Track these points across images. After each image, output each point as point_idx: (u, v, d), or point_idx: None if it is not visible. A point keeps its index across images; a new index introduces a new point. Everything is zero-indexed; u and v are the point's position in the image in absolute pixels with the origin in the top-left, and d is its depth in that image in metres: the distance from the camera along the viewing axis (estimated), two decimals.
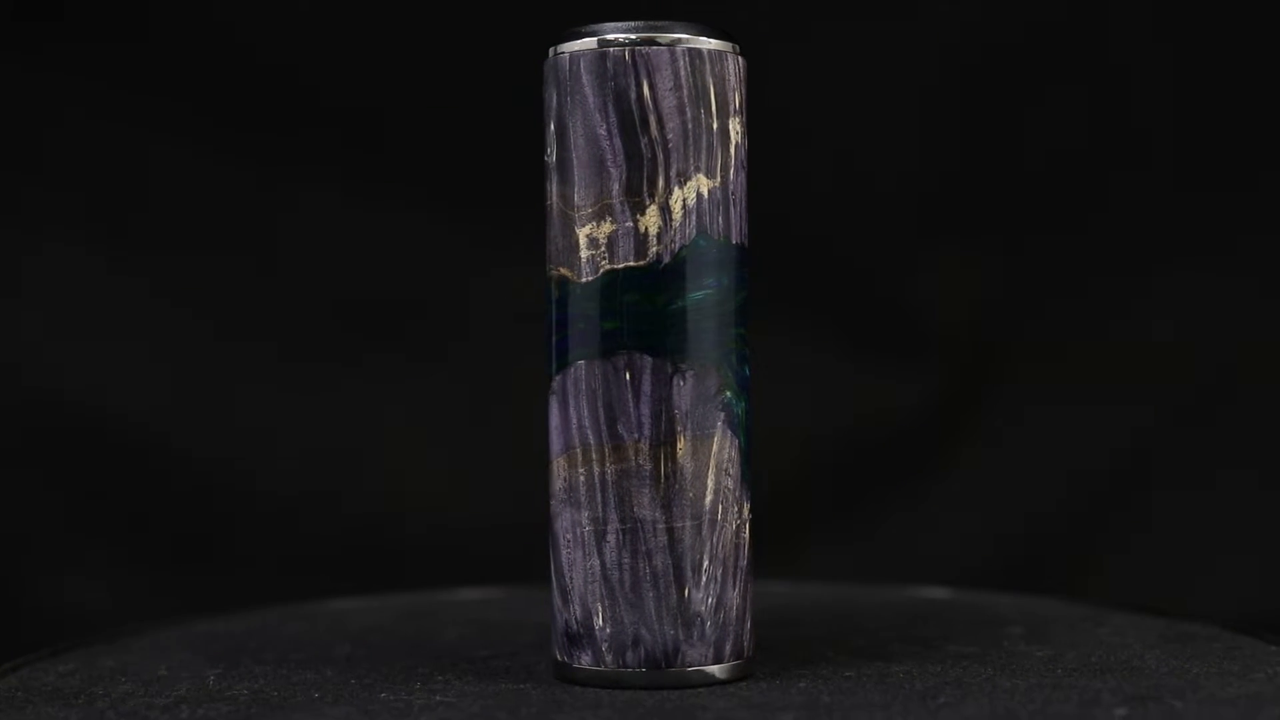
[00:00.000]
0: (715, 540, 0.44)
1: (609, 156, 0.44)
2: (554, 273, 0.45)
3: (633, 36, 0.44)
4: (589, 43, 0.44)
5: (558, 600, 0.45)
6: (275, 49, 0.82)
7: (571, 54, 0.44)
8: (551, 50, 0.45)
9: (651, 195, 0.44)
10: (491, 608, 0.59)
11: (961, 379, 0.84)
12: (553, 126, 0.44)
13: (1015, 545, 0.84)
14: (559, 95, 0.44)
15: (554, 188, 0.45)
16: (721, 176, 0.44)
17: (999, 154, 0.83)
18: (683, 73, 0.44)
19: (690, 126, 0.44)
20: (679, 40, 0.44)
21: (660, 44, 0.44)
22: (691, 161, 0.44)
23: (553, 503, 0.45)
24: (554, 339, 0.45)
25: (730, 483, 0.44)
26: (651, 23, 0.44)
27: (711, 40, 0.44)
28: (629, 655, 0.44)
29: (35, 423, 0.81)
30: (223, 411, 0.82)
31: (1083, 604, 0.56)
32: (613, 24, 0.44)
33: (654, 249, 0.44)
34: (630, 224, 0.44)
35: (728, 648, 0.44)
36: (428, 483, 0.83)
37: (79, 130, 0.81)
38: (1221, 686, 0.44)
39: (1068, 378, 0.84)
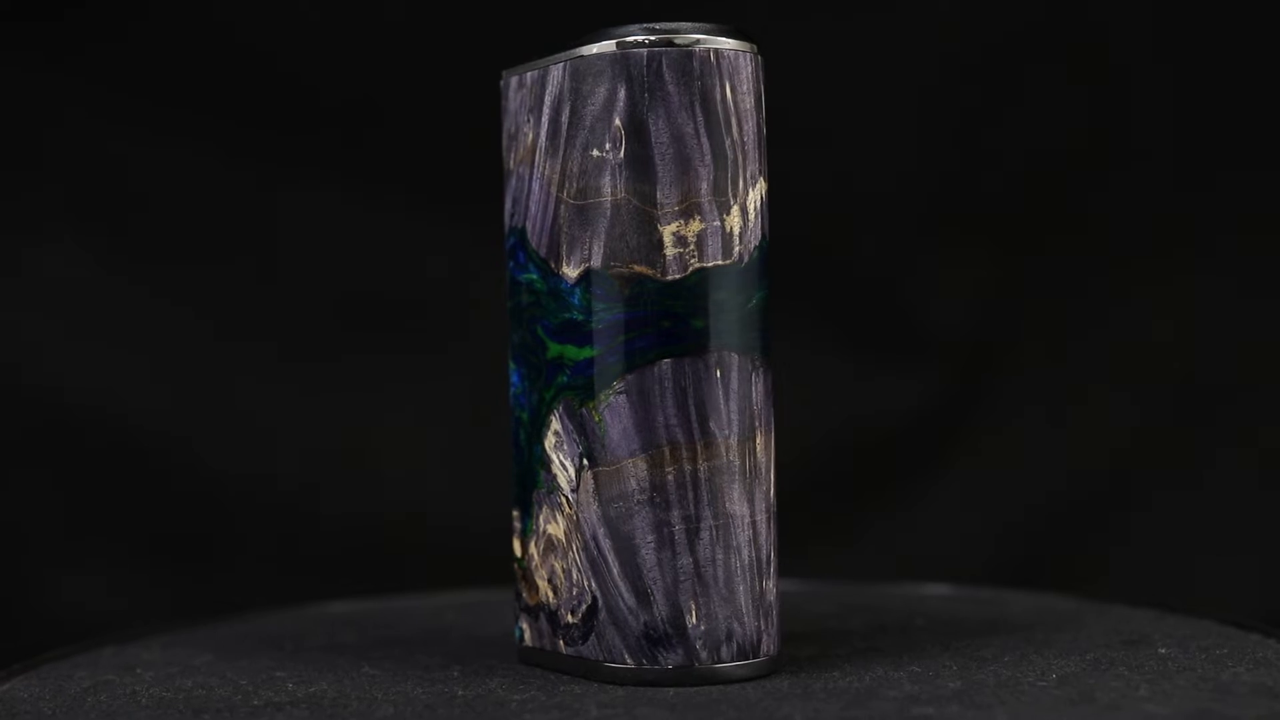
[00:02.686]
0: (776, 531, 0.45)
1: (697, 155, 0.44)
2: (624, 270, 0.44)
3: (703, 37, 0.44)
4: (651, 40, 0.44)
5: (629, 602, 0.44)
6: (275, 49, 0.82)
7: (650, 52, 0.44)
8: (591, 48, 0.44)
9: (734, 195, 0.44)
10: (487, 610, 0.59)
11: (961, 379, 0.84)
12: (617, 122, 0.44)
13: (1015, 544, 0.84)
14: (630, 91, 0.44)
15: (621, 184, 0.44)
16: (768, 179, 0.45)
17: (999, 154, 0.83)
18: (751, 77, 0.45)
19: (755, 130, 0.45)
20: (707, 42, 0.44)
21: (735, 47, 0.44)
22: (757, 163, 0.45)
23: (616, 505, 0.44)
24: (620, 338, 0.44)
25: (775, 476, 0.45)
26: (701, 24, 0.44)
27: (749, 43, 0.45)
28: (723, 650, 0.44)
29: (35, 423, 0.81)
30: (223, 411, 0.82)
31: (1083, 601, 0.56)
32: (660, 24, 0.44)
33: (737, 248, 0.44)
34: (718, 223, 0.44)
35: (781, 636, 0.46)
36: (428, 483, 0.83)
37: (79, 130, 0.81)
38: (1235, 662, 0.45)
39: (1068, 378, 0.84)
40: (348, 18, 0.82)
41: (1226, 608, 0.55)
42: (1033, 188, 0.83)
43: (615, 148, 0.44)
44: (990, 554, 0.84)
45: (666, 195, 0.44)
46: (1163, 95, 0.83)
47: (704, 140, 0.44)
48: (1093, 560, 0.84)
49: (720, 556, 0.44)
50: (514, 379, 0.47)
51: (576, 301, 0.45)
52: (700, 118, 0.44)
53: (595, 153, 0.44)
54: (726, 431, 0.44)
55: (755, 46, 0.45)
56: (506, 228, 0.48)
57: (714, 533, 0.44)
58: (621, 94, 0.44)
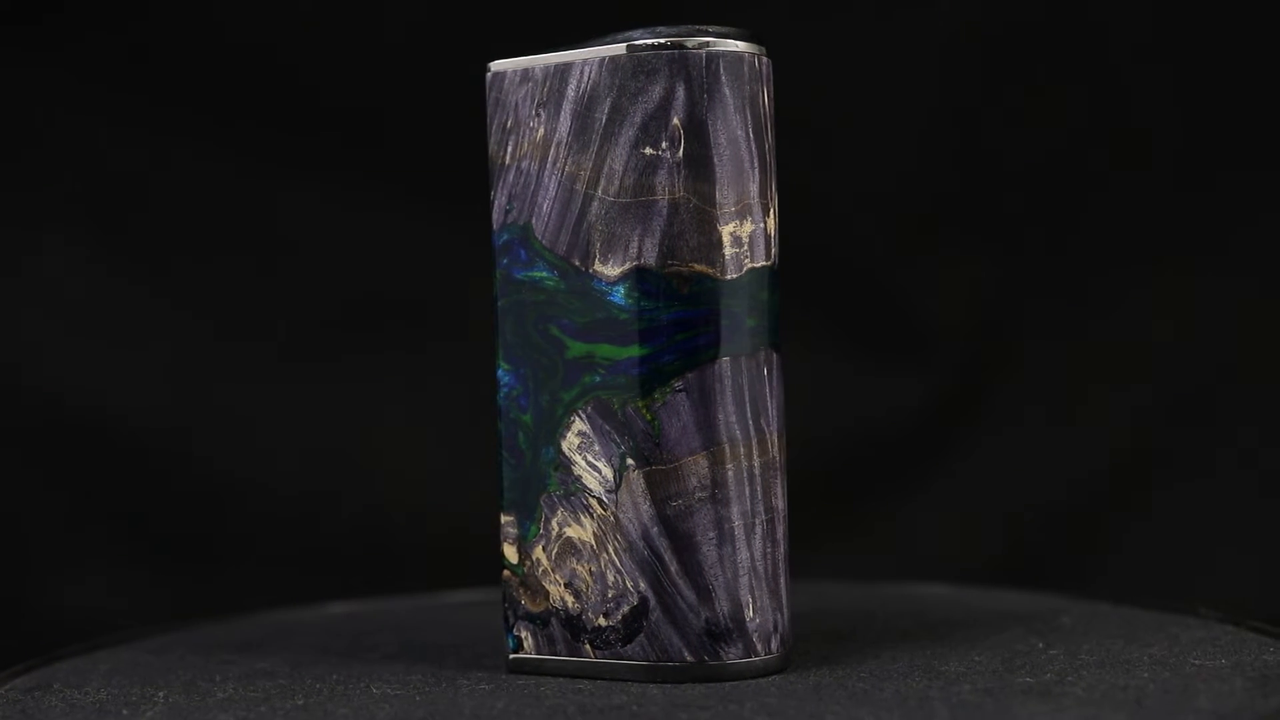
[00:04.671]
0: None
1: (747, 158, 0.45)
2: (682, 269, 0.44)
3: (743, 43, 0.45)
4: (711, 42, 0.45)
5: (689, 599, 0.44)
6: (275, 48, 0.82)
7: (709, 53, 0.44)
8: (643, 44, 0.44)
9: (769, 198, 0.45)
10: (488, 609, 0.59)
11: (961, 379, 0.84)
12: (675, 121, 0.44)
13: (1015, 544, 0.84)
14: (689, 91, 0.44)
15: (679, 183, 0.44)
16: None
17: (999, 153, 0.83)
18: (773, 84, 0.46)
19: (775, 136, 0.46)
20: (752, 49, 0.45)
21: (757, 51, 0.45)
22: (776, 169, 0.46)
23: (674, 503, 0.44)
24: (680, 336, 0.44)
25: None
26: (739, 29, 0.45)
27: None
28: (773, 642, 0.45)
29: (35, 423, 0.81)
30: (223, 411, 0.82)
31: (1082, 601, 0.56)
32: (718, 27, 0.45)
33: (773, 250, 0.45)
34: (761, 225, 0.45)
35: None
36: (428, 483, 0.83)
37: (79, 130, 0.81)
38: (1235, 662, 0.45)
39: (1068, 378, 0.84)
40: (348, 17, 0.82)
41: (1227, 607, 0.55)
42: (1033, 188, 0.83)
43: (673, 146, 0.44)
44: (990, 554, 0.84)
45: (724, 196, 0.44)
46: (1163, 95, 0.83)
47: (752, 144, 0.45)
48: (1093, 560, 0.84)
49: (769, 550, 0.45)
50: (508, 380, 0.47)
51: (618, 300, 0.45)
52: (749, 121, 0.45)
53: (648, 150, 0.44)
54: (772, 428, 0.45)
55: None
56: (497, 224, 0.47)
57: (764, 527, 0.45)
58: (680, 93, 0.44)
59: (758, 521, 0.45)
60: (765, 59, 0.45)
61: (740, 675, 0.45)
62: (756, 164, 0.45)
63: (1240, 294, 0.83)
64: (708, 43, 0.44)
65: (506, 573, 0.47)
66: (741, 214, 0.45)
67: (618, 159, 0.45)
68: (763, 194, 0.45)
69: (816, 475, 0.84)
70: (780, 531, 0.46)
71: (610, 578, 0.45)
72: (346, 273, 0.83)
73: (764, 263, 0.45)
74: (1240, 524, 0.84)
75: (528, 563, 0.47)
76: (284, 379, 0.82)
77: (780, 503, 0.46)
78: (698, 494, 0.44)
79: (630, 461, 0.45)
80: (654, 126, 0.44)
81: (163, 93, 0.81)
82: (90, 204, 0.81)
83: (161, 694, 0.45)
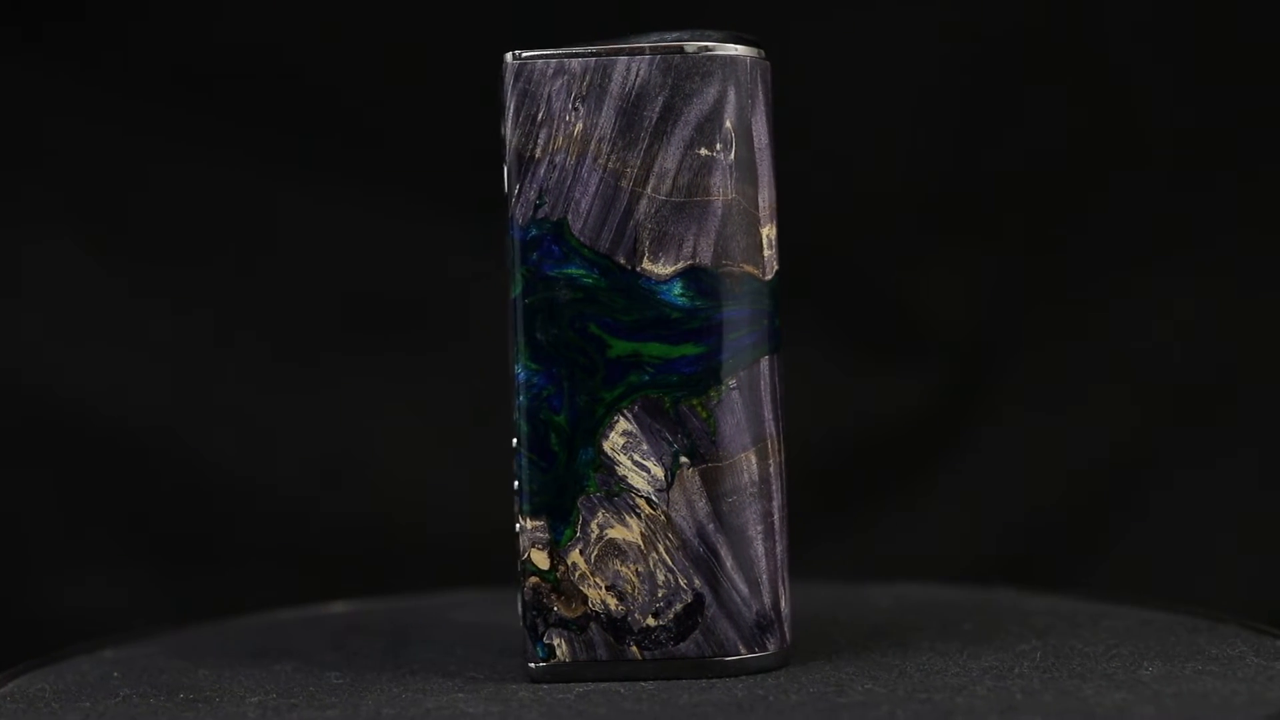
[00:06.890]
0: None
1: (773, 163, 0.46)
2: (734, 269, 0.46)
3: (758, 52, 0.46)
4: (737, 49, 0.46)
5: (743, 593, 0.46)
6: (277, 48, 0.82)
7: (753, 60, 0.46)
8: (695, 46, 0.45)
9: (777, 203, 0.47)
10: (489, 610, 0.59)
11: (961, 379, 0.84)
12: (728, 124, 0.45)
13: (1015, 545, 0.84)
14: (738, 96, 0.45)
15: (731, 184, 0.45)
16: None
17: (999, 153, 0.83)
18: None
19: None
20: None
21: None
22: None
23: (730, 499, 0.46)
24: (733, 335, 0.46)
25: None
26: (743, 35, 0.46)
27: None
28: (794, 631, 0.47)
29: (35, 423, 0.81)
30: (222, 411, 0.82)
31: (1083, 602, 0.56)
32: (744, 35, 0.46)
33: (778, 251, 0.47)
34: (777, 228, 0.47)
35: None
36: (428, 484, 0.83)
37: (79, 130, 0.81)
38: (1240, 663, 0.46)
39: (1067, 378, 0.84)
40: (348, 16, 0.82)
41: (1227, 606, 0.55)
42: (1033, 188, 0.83)
43: (726, 149, 0.45)
44: (990, 554, 0.84)
45: (763, 199, 0.46)
46: (1163, 93, 0.83)
47: (772, 149, 0.46)
48: (1093, 560, 0.84)
49: (788, 542, 0.47)
50: (537, 380, 0.46)
51: (672, 299, 0.45)
52: (772, 128, 0.46)
53: (704, 151, 0.45)
54: (783, 424, 0.47)
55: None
56: (522, 218, 0.46)
57: (787, 520, 0.47)
58: (731, 97, 0.45)
59: (785, 515, 0.47)
60: (767, 64, 0.46)
61: (780, 665, 0.46)
62: (774, 169, 0.46)
63: (1240, 294, 0.83)
64: (752, 49, 0.46)
65: (535, 579, 0.46)
66: (772, 217, 0.46)
67: (670, 158, 0.45)
68: (779, 198, 0.47)
69: (815, 475, 0.84)
70: (787, 524, 0.47)
71: (660, 577, 0.46)
72: (346, 272, 0.83)
73: (779, 265, 0.47)
74: (1241, 524, 0.84)
75: (562, 568, 0.46)
76: (284, 379, 0.82)
77: (787, 496, 0.47)
78: (749, 489, 0.46)
79: (684, 459, 0.45)
80: (709, 128, 0.45)
81: (163, 93, 0.81)
82: (90, 204, 0.81)
83: (157, 697, 0.44)
